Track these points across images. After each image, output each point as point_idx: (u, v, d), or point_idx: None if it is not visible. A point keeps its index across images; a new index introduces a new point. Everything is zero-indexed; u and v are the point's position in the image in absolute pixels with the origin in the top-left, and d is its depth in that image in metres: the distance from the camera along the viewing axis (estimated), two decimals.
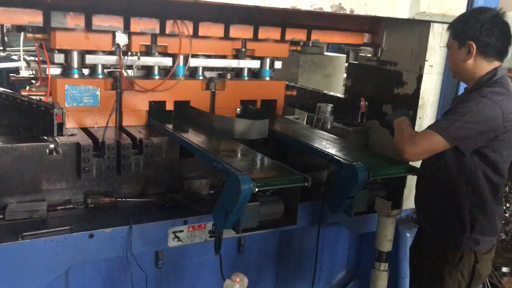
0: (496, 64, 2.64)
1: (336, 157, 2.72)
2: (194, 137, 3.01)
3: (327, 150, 2.86)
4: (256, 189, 2.22)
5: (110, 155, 2.86)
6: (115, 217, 2.78)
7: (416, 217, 3.10)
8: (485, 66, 2.64)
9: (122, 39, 3.13)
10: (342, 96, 4.01)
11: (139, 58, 3.28)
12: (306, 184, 2.36)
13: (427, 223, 2.85)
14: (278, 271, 3.74)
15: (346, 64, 4.81)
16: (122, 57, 3.17)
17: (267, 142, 3.37)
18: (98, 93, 3.17)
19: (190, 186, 3.18)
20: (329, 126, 3.74)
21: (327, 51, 5.34)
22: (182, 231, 2.84)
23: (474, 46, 2.60)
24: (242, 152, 2.79)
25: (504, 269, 4.84)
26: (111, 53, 3.25)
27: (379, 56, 3.82)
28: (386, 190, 2.76)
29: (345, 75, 4.80)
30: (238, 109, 3.69)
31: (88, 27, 2.95)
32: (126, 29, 3.05)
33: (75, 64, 3.14)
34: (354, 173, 2.50)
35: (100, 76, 3.25)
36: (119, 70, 3.20)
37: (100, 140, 2.88)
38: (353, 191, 2.56)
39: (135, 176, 3.01)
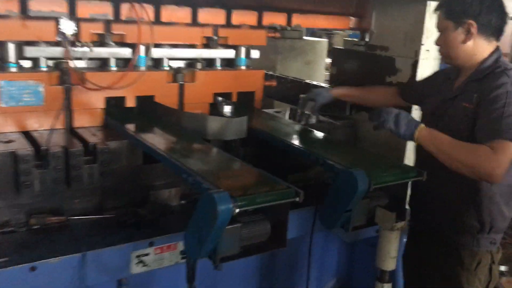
0: (495, 43, 2.44)
1: (329, 161, 2.29)
2: (159, 141, 2.54)
3: (317, 151, 2.43)
4: (237, 210, 1.78)
5: (56, 165, 2.36)
6: (65, 242, 2.29)
7: (415, 220, 2.68)
8: (485, 47, 2.42)
9: (68, 27, 2.60)
10: (327, 86, 3.57)
11: (91, 50, 2.76)
12: (297, 199, 1.92)
13: (439, 226, 2.50)
14: (262, 285, 3.32)
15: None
16: (69, 48, 2.64)
17: (246, 143, 2.91)
18: (41, 89, 2.65)
19: (157, 197, 2.70)
20: (314, 121, 3.31)
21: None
22: (147, 254, 2.37)
23: (475, 25, 2.35)
24: (217, 158, 2.33)
25: (502, 268, 4.57)
26: (57, 44, 2.72)
27: (367, 40, 3.40)
28: (387, 198, 2.35)
29: (327, 60, 4.38)
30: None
31: (25, 13, 2.42)
32: (73, 14, 2.53)
33: (12, 57, 2.60)
34: (352, 181, 2.08)
35: (44, 69, 2.72)
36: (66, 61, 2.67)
37: (43, 148, 2.37)
38: (352, 204, 2.14)
39: (89, 188, 2.51)
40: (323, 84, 3.61)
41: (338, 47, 3.79)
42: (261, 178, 2.07)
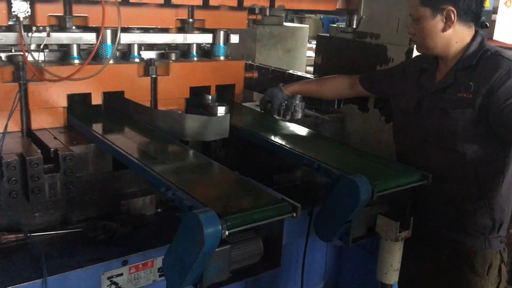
0: (473, 28, 2.29)
1: (326, 166, 2.03)
2: (130, 144, 2.23)
3: (310, 153, 2.17)
4: (227, 233, 1.51)
5: (11, 176, 2.03)
6: (24, 264, 1.99)
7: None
8: (466, 33, 2.27)
9: (21, 8, 2.24)
10: (312, 76, 3.32)
11: (48, 35, 2.41)
12: (294, 215, 1.67)
13: (444, 230, 2.30)
14: None
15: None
16: (23, 34, 2.29)
17: (227, 143, 2.63)
18: None
19: (130, 206, 2.40)
20: (300, 115, 3.05)
21: None
22: (121, 274, 2.09)
23: (455, 12, 2.18)
24: (198, 164, 2.05)
25: None
26: (8, 29, 2.36)
27: (356, 26, 3.15)
28: (388, 204, 2.12)
29: (309, 46, 4.11)
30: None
31: None
32: None
33: None
34: (354, 190, 1.84)
35: None
36: (22, 53, 2.32)
37: None
38: (353, 214, 1.90)
39: (52, 201, 2.20)
40: (308, 75, 3.34)
41: (322, 34, 3.51)
42: (250, 190, 1.80)
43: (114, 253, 2.11)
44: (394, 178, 2.02)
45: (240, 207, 1.62)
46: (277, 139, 2.40)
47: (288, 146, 2.28)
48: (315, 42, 3.62)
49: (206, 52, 3.12)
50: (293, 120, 2.98)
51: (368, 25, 3.04)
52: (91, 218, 2.34)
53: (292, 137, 2.49)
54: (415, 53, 2.81)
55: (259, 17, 3.12)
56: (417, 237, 2.16)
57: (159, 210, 2.50)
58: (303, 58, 4.40)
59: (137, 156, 2.04)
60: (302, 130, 2.62)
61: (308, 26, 4.48)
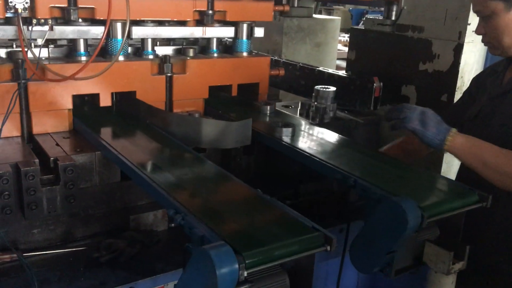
0: None
1: (364, 183, 1.72)
2: (138, 154, 1.97)
3: (346, 168, 1.86)
4: (245, 273, 1.23)
5: (4, 190, 1.79)
6: None
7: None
8: None
9: None
10: (345, 74, 2.99)
11: (51, 29, 2.16)
12: (328, 248, 1.37)
13: (499, 263, 1.94)
14: None
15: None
16: (22, 27, 2.04)
17: (248, 149, 2.35)
18: None
19: (139, 222, 2.14)
20: (331, 118, 2.73)
21: None
22: None
23: None
24: (216, 182, 1.77)
25: None
26: (6, 22, 2.12)
27: (396, 19, 2.80)
28: (438, 229, 1.79)
29: (342, 40, 3.78)
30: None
31: None
32: None
33: None
34: (400, 215, 1.52)
35: None
36: (21, 50, 2.08)
37: None
38: (398, 243, 1.58)
39: (52, 216, 1.95)
40: (341, 73, 3.02)
41: (357, 27, 3.17)
42: (275, 214, 1.51)
43: (119, 278, 1.85)
44: (447, 200, 1.68)
45: (262, 239, 1.33)
46: (306, 148, 2.10)
47: (318, 157, 1.98)
48: (343, 35, 3.28)
49: (228, 48, 2.82)
50: (323, 123, 2.68)
51: (410, 17, 2.70)
52: (96, 234, 2.10)
53: (322, 145, 2.18)
54: (466, 50, 2.46)
55: (287, 8, 2.80)
56: (471, 270, 1.82)
57: (172, 225, 2.24)
58: (333, 53, 4.06)
59: (145, 169, 1.77)
60: (333, 137, 2.30)
61: (340, 18, 4.13)
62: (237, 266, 1.21)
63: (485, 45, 2.08)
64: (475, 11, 2.01)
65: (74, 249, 2.01)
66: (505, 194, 1.86)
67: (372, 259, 1.66)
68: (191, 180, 1.77)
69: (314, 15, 3.98)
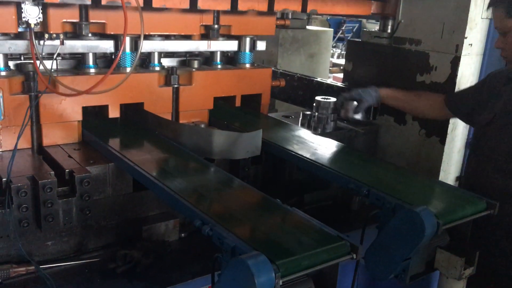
0: None
1: (379, 193, 1.79)
2: (154, 165, 2.00)
3: (358, 177, 1.93)
4: (281, 282, 1.27)
5: (21, 203, 1.80)
6: None
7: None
8: None
9: (32, 13, 2.00)
10: (343, 85, 3.07)
11: (62, 43, 2.17)
12: (354, 256, 1.43)
13: (507, 269, 2.01)
14: None
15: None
16: (35, 42, 2.05)
17: (256, 159, 2.39)
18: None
19: (152, 232, 2.16)
20: (332, 128, 2.80)
21: None
22: None
23: None
24: (234, 190, 1.81)
25: None
26: (17, 36, 2.13)
27: (393, 32, 2.90)
28: (448, 236, 1.87)
29: (334, 52, 3.86)
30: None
31: None
32: None
33: None
34: (417, 223, 1.59)
35: (3, 73, 2.12)
36: (32, 62, 2.09)
37: (4, 179, 1.81)
38: (415, 251, 1.65)
39: (65, 228, 1.96)
40: (340, 84, 3.10)
41: (354, 39, 3.26)
42: (299, 224, 1.56)
43: None
44: (458, 208, 1.76)
45: (292, 248, 1.38)
46: (315, 158, 2.15)
47: (331, 167, 2.04)
48: None
49: (230, 59, 2.87)
50: (324, 133, 2.75)
51: (407, 30, 2.79)
52: (109, 245, 2.11)
53: (331, 155, 2.24)
54: (463, 62, 2.57)
55: (288, 22, 2.88)
56: (480, 275, 1.90)
57: (183, 235, 2.27)
58: (326, 63, 4.15)
59: (164, 180, 1.80)
60: (340, 147, 2.37)
61: (332, 30, 4.23)
62: (273, 275, 1.25)
63: (504, 58, 2.19)
64: (495, 27, 2.13)
65: (88, 260, 2.02)
66: (511, 199, 1.95)
67: (388, 266, 1.72)
68: (210, 190, 1.81)
69: (308, 27, 4.07)
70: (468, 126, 2.69)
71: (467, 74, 2.61)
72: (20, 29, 2.08)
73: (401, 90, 2.65)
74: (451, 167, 2.71)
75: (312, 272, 1.53)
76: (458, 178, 2.72)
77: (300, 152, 2.21)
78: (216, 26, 2.58)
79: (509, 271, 2.01)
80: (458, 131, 2.69)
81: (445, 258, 1.77)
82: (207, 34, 2.61)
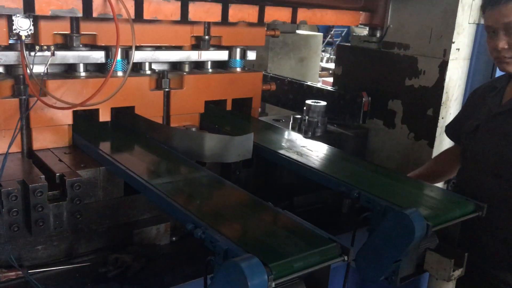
0: None
1: (369, 195, 1.81)
2: (146, 169, 2.00)
3: (348, 180, 1.95)
4: (273, 284, 1.28)
5: (12, 207, 1.79)
6: None
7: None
8: None
9: (23, 26, 2.00)
10: (333, 89, 3.10)
11: (53, 54, 2.16)
12: (345, 259, 1.44)
13: (493, 268, 2.04)
14: None
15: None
16: (25, 53, 2.05)
17: (247, 163, 2.40)
18: None
19: (143, 236, 2.16)
20: (322, 132, 2.83)
21: None
22: None
23: None
24: (226, 194, 1.82)
25: None
26: (8, 47, 2.12)
27: (381, 36, 2.93)
28: (437, 238, 1.89)
29: (323, 56, 3.89)
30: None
31: None
32: (29, 11, 1.94)
33: None
34: (407, 225, 1.61)
35: None
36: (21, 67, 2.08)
37: None
38: (405, 252, 1.67)
39: (56, 232, 1.95)
40: (330, 88, 3.12)
41: (343, 43, 3.30)
42: (290, 226, 1.57)
43: None
44: (447, 210, 1.79)
45: (284, 251, 1.39)
46: (307, 162, 2.17)
47: (322, 170, 2.05)
48: None
49: (221, 63, 2.88)
50: (315, 136, 2.77)
51: (396, 35, 2.83)
52: (100, 249, 2.10)
53: (322, 159, 2.26)
54: (450, 66, 2.61)
55: (278, 33, 2.91)
56: (470, 276, 1.93)
57: (174, 238, 2.27)
58: (316, 67, 4.18)
59: (156, 183, 1.80)
60: (330, 150, 2.39)
61: (322, 34, 4.26)
62: (266, 277, 1.26)
63: (504, 60, 1.95)
64: (495, 27, 1.92)
65: (79, 264, 2.01)
66: (500, 202, 1.98)
67: (378, 268, 1.74)
68: (202, 193, 1.81)
69: (297, 31, 4.10)
70: None
71: (455, 78, 2.65)
72: (11, 41, 2.07)
73: (422, 169, 2.51)
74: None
75: (304, 274, 1.55)
76: (447, 181, 2.75)
77: (291, 156, 2.23)
78: (207, 37, 2.60)
79: (497, 273, 2.04)
80: None
81: (435, 260, 1.79)
82: (197, 44, 2.63)
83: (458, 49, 2.60)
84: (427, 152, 2.72)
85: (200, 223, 1.51)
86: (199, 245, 1.52)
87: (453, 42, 2.56)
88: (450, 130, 2.43)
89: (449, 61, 2.59)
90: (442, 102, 2.65)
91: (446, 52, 2.59)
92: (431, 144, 2.70)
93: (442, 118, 2.68)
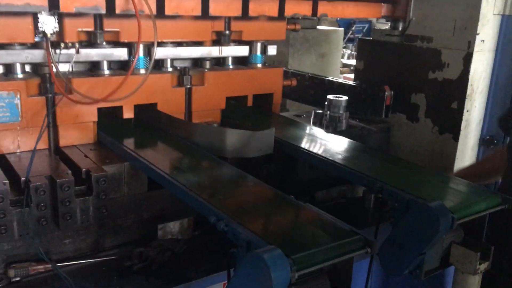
0: None
1: (393, 189, 1.79)
2: (169, 164, 2.02)
3: (372, 174, 1.94)
4: (296, 275, 1.28)
5: (40, 201, 1.83)
6: None
7: None
8: None
9: (49, 24, 2.04)
10: (355, 83, 3.08)
11: (78, 52, 2.21)
12: (368, 251, 1.43)
13: None
14: None
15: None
16: (51, 51, 2.09)
17: (269, 158, 2.41)
18: (17, 101, 2.10)
19: (166, 231, 2.19)
20: (344, 126, 2.81)
21: None
22: None
23: None
24: (248, 187, 1.83)
25: None
26: (34, 45, 2.17)
27: (404, 29, 2.90)
28: (463, 231, 1.87)
29: (344, 52, 3.87)
30: None
31: None
32: (54, 8, 1.98)
33: None
34: (432, 219, 1.59)
35: (20, 77, 2.16)
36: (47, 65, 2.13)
37: (23, 179, 1.85)
38: (429, 246, 1.65)
39: (83, 226, 1.99)
40: (351, 82, 3.11)
41: (365, 37, 3.27)
42: (313, 219, 1.57)
43: (153, 286, 1.91)
44: (473, 202, 1.76)
45: (307, 243, 1.39)
46: (328, 156, 2.16)
47: (343, 164, 2.05)
48: None
49: (242, 59, 2.89)
50: (337, 131, 2.75)
51: (419, 28, 2.79)
52: (124, 244, 2.14)
53: (343, 153, 2.25)
54: (475, 58, 2.56)
55: (298, 26, 2.90)
56: (496, 270, 1.89)
57: (197, 232, 2.29)
58: (337, 63, 4.16)
59: (180, 179, 1.82)
60: (352, 144, 2.38)
61: (343, 29, 4.23)
62: (289, 268, 1.27)
63: None
64: None
65: (105, 258, 2.05)
66: None
67: (402, 261, 1.72)
68: (224, 187, 1.83)
69: (318, 27, 4.08)
70: (481, 122, 2.69)
71: (480, 71, 2.60)
72: (36, 39, 2.12)
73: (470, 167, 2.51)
74: (465, 164, 2.70)
75: (327, 267, 1.55)
76: None
77: (312, 150, 2.22)
78: (227, 32, 2.61)
79: None
80: (472, 128, 2.68)
81: (460, 253, 1.77)
82: (218, 39, 2.64)
83: (483, 40, 2.55)
84: (452, 145, 2.68)
85: (223, 216, 1.53)
86: (221, 239, 1.54)
87: (478, 34, 2.52)
88: (503, 122, 2.36)
89: (474, 53, 2.55)
90: (467, 95, 2.61)
91: (470, 44, 2.55)
92: (456, 138, 2.66)
93: (467, 111, 2.63)
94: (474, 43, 2.53)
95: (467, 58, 2.56)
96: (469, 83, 2.59)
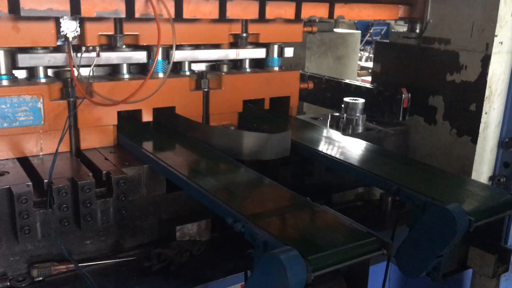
0: None
1: (409, 191, 1.79)
2: (187, 166, 2.05)
3: (385, 174, 1.94)
4: (312, 276, 1.30)
5: (62, 203, 1.88)
6: None
7: None
8: None
9: (70, 27, 2.10)
10: (372, 86, 3.08)
11: (98, 55, 2.26)
12: (384, 253, 1.44)
13: None
14: None
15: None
16: (72, 55, 2.15)
17: (285, 160, 2.42)
18: (40, 105, 2.16)
19: (184, 232, 2.22)
20: (361, 129, 2.81)
21: None
22: None
23: None
24: (265, 189, 1.85)
25: None
26: (56, 49, 2.23)
27: (421, 31, 2.89)
28: (481, 235, 1.86)
29: (362, 55, 3.86)
30: None
31: (16, 12, 1.93)
32: (76, 13, 2.03)
33: (2, 68, 2.12)
34: (449, 221, 1.59)
35: (43, 81, 2.23)
36: (69, 69, 2.19)
37: (46, 181, 1.90)
38: (446, 248, 1.65)
39: (104, 227, 2.03)
40: (368, 85, 3.11)
41: (382, 40, 3.27)
42: (329, 221, 1.58)
43: (172, 286, 1.94)
44: (491, 205, 1.75)
45: (323, 244, 1.41)
46: (345, 158, 2.17)
47: (360, 166, 2.05)
48: None
49: (258, 62, 2.92)
50: (354, 134, 2.76)
51: (436, 30, 2.78)
52: (143, 245, 2.18)
53: (359, 155, 2.25)
54: (493, 60, 2.54)
55: (315, 29, 2.92)
56: None
57: (215, 234, 2.31)
58: (354, 66, 4.16)
59: (198, 180, 1.85)
60: (369, 147, 2.38)
61: (360, 32, 4.23)
62: (305, 269, 1.28)
63: None
64: None
65: (125, 259, 2.09)
66: None
67: (419, 263, 1.72)
68: (242, 189, 1.85)
69: (335, 29, 4.09)
70: (500, 124, 2.66)
71: (498, 73, 2.58)
72: (58, 43, 2.18)
73: None
74: (483, 167, 2.68)
75: (343, 269, 1.56)
76: (491, 178, 2.68)
77: (329, 153, 2.23)
78: (244, 34, 2.64)
79: None
80: (490, 130, 2.66)
81: (478, 256, 1.76)
82: (235, 42, 2.67)
83: (501, 42, 2.53)
84: (471, 148, 2.65)
85: (240, 217, 1.55)
86: (239, 241, 1.56)
87: (496, 36, 2.50)
88: None
89: (492, 54, 2.52)
90: (485, 97, 2.59)
91: (488, 46, 2.53)
92: (474, 140, 2.64)
93: (486, 113, 2.61)
94: (492, 45, 2.51)
95: (485, 60, 2.54)
96: (487, 85, 2.56)
